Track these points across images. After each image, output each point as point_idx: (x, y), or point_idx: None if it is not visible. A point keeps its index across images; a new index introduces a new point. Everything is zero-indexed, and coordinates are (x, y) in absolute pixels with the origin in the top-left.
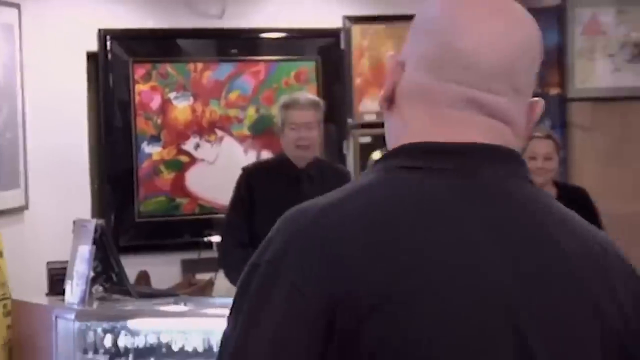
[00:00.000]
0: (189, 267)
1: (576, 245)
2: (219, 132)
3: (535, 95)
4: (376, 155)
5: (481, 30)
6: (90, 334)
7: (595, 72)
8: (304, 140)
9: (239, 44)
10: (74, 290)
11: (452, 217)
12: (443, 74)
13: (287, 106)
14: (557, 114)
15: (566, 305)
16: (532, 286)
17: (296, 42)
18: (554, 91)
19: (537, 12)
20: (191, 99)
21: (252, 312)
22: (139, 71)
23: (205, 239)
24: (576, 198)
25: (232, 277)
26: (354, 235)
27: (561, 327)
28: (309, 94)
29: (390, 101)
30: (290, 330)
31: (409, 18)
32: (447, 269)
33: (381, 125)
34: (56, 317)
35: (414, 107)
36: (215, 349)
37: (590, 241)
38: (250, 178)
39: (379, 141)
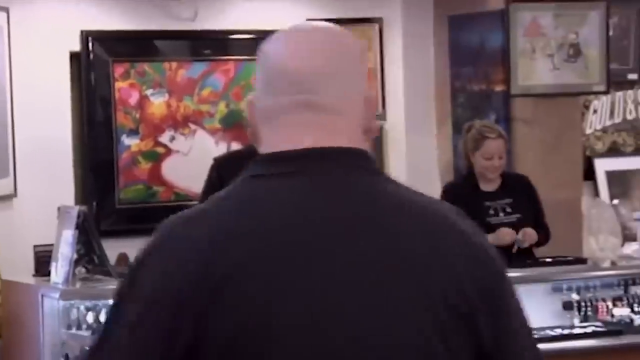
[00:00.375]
0: None
1: (416, 229)
2: (192, 126)
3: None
4: None
5: (295, 52)
6: (74, 311)
7: (535, 71)
8: None
9: (210, 45)
10: (58, 271)
11: (290, 213)
12: (276, 91)
13: None
14: (502, 109)
15: (398, 286)
16: (364, 267)
17: (263, 42)
18: (498, 88)
19: (483, 16)
20: (167, 95)
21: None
22: (119, 70)
23: None
24: (519, 184)
25: None
26: (204, 238)
27: (392, 307)
28: None
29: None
30: (145, 330)
31: (366, 21)
32: (284, 260)
33: None
34: (42, 296)
35: (264, 126)
36: None
37: (433, 226)
38: (221, 168)
39: None
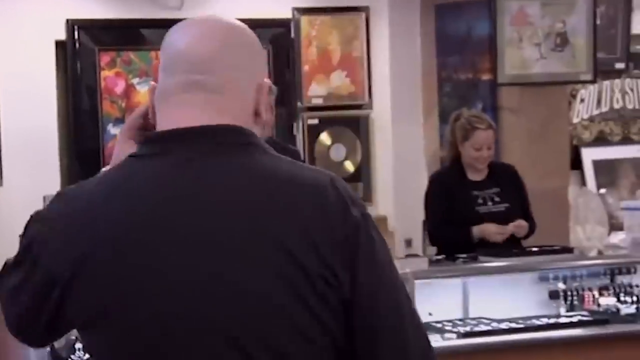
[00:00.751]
0: None
1: (271, 191)
2: None
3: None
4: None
5: (191, 37)
6: None
7: (523, 60)
8: None
9: None
10: None
11: (146, 190)
12: (172, 71)
13: None
14: (489, 97)
15: (251, 245)
16: (222, 230)
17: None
18: (485, 77)
19: (470, 5)
20: (153, 84)
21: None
22: (105, 58)
23: None
24: (506, 174)
25: None
26: (74, 211)
27: (245, 262)
28: None
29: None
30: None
31: (352, 9)
32: (135, 232)
33: (327, 108)
34: None
35: (159, 106)
36: None
37: (290, 187)
38: None
39: (325, 122)
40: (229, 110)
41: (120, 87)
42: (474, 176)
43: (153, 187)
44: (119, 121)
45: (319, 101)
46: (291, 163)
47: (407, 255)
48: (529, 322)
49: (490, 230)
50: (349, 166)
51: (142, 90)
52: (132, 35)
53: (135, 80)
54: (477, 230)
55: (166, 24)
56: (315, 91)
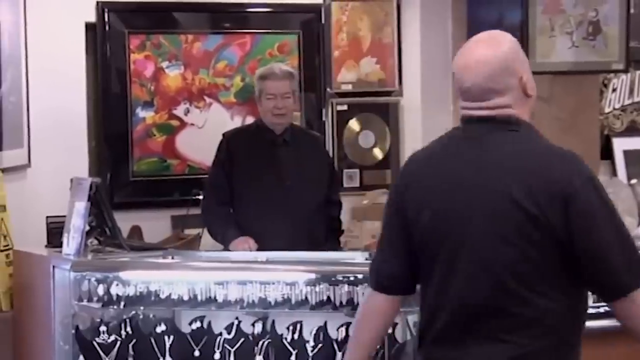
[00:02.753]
0: (178, 223)
1: (516, 162)
2: (208, 99)
3: None
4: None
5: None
6: (85, 283)
7: (554, 48)
8: (280, 109)
9: (226, 18)
10: (70, 242)
11: (455, 155)
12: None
13: (263, 77)
14: None
15: (493, 200)
16: (480, 187)
17: (280, 16)
18: None
19: None
20: (182, 67)
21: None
22: (134, 41)
23: (194, 197)
24: None
25: (213, 232)
26: (412, 168)
27: (491, 212)
28: (284, 65)
29: None
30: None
31: None
32: (450, 180)
33: (356, 94)
34: (54, 267)
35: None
36: (199, 297)
37: (530, 157)
38: (230, 143)
39: (354, 108)
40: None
41: (149, 71)
42: None
43: (446, 155)
44: (148, 104)
45: (348, 87)
46: (542, 144)
47: None
48: None
49: None
50: (378, 153)
51: (171, 73)
52: (162, 19)
53: (164, 64)
54: None
55: (196, 8)
56: (345, 77)
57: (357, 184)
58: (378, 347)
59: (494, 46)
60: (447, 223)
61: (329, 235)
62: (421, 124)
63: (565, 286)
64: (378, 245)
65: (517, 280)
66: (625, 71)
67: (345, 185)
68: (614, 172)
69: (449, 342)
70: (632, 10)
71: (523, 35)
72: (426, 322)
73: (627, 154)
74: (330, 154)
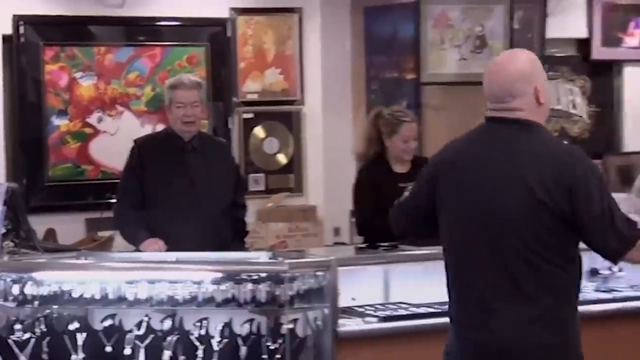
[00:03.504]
0: (92, 226)
1: (530, 156)
2: (119, 108)
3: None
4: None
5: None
6: (1, 283)
7: (444, 60)
8: (189, 117)
9: (137, 31)
10: None
11: (483, 144)
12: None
13: (173, 87)
14: (412, 95)
15: (509, 183)
16: (499, 175)
17: (189, 30)
18: (409, 76)
19: (396, 8)
20: (95, 78)
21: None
22: (49, 53)
23: (107, 200)
24: None
25: (125, 234)
26: (448, 152)
27: (508, 185)
28: (192, 76)
29: None
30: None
31: (286, 10)
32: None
33: (261, 103)
34: None
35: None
36: (111, 296)
37: (542, 153)
38: (141, 149)
39: (259, 117)
40: (521, 114)
41: (64, 81)
42: (399, 168)
43: (473, 145)
44: (62, 113)
45: (253, 97)
46: (553, 142)
47: (335, 243)
48: (444, 306)
49: None
50: (282, 159)
51: (85, 83)
52: (76, 31)
53: (78, 74)
54: None
55: (108, 21)
56: (250, 87)
57: (262, 188)
58: (280, 342)
59: (514, 60)
60: (471, 202)
61: (235, 236)
62: (322, 130)
63: (570, 255)
64: (401, 202)
65: (532, 252)
66: None
67: (251, 189)
68: None
69: (477, 307)
70: (516, 26)
71: (415, 49)
72: (456, 290)
73: None
74: (237, 159)
